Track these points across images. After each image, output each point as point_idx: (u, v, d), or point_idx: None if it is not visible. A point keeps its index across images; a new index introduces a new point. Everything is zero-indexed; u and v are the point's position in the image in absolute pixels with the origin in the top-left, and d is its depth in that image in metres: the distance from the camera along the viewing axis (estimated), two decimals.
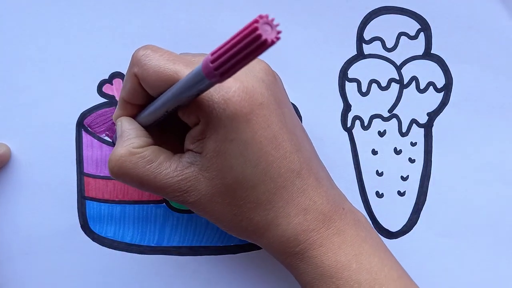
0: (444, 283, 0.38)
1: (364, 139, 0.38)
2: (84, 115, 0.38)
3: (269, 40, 0.21)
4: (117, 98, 0.38)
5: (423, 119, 0.38)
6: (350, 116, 0.38)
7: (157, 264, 0.38)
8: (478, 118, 0.38)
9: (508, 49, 0.38)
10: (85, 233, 0.38)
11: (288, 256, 0.31)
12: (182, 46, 0.37)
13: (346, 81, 0.38)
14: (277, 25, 0.22)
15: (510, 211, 0.38)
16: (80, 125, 0.38)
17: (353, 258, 0.31)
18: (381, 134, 0.38)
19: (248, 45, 0.22)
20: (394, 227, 0.38)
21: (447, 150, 0.38)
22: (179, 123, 0.31)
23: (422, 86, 0.38)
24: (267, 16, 0.21)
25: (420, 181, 0.38)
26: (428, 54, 0.38)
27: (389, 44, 0.38)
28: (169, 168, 0.30)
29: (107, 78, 0.38)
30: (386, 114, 0.38)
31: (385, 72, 0.38)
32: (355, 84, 0.38)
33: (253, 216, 0.30)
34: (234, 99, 0.28)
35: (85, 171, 0.38)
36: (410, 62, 0.38)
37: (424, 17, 0.38)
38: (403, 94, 0.38)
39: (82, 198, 0.38)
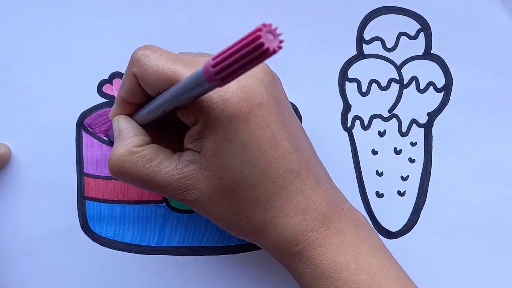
0: (444, 283, 0.38)
1: (364, 139, 0.38)
2: (84, 115, 0.38)
3: (271, 49, 0.22)
4: None
5: (423, 119, 0.38)
6: (350, 116, 0.38)
7: (157, 264, 0.38)
8: (478, 118, 0.38)
9: (508, 49, 0.38)
10: (85, 233, 0.38)
11: (287, 256, 0.31)
12: (182, 46, 0.37)
13: (346, 81, 0.38)
14: (280, 34, 0.22)
15: (510, 211, 0.38)
16: (80, 125, 0.38)
17: (352, 258, 0.31)
18: (381, 134, 0.38)
19: (250, 53, 0.22)
20: (394, 227, 0.38)
21: (447, 150, 0.38)
22: (179, 121, 0.31)
23: (422, 86, 0.38)
24: (270, 25, 0.22)
25: (420, 181, 0.38)
26: (428, 54, 0.38)
27: (389, 44, 0.38)
28: (168, 166, 0.30)
29: (107, 78, 0.38)
30: (386, 114, 0.38)
31: (385, 72, 0.38)
32: (355, 84, 0.38)
33: (251, 215, 0.30)
34: (232, 99, 0.28)
35: (85, 171, 0.38)
36: (410, 62, 0.38)
37: (424, 17, 0.38)
38: (403, 94, 0.38)
39: (82, 198, 0.38)
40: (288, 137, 0.30)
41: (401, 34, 0.38)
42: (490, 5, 0.38)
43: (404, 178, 0.39)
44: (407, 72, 0.38)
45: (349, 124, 0.38)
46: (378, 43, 0.38)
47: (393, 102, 0.38)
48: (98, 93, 0.38)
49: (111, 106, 0.37)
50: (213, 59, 0.24)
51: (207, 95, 0.28)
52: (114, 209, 0.38)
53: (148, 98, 0.31)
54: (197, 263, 0.38)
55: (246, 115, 0.29)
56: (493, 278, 0.38)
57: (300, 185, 0.31)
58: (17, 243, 0.38)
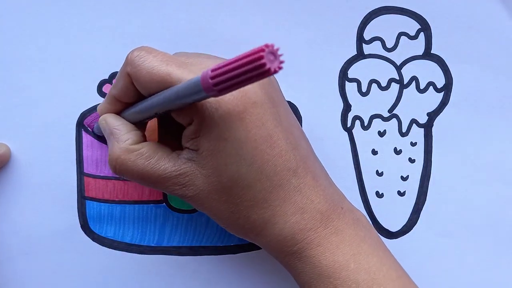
0: (444, 283, 0.38)
1: (364, 139, 0.38)
2: (84, 115, 0.38)
3: (272, 69, 0.22)
4: None
5: (423, 119, 0.38)
6: (350, 116, 0.38)
7: (157, 264, 0.38)
8: (478, 118, 0.38)
9: (508, 49, 0.38)
10: (85, 233, 0.38)
11: (285, 255, 0.31)
12: (182, 46, 0.37)
13: (346, 81, 0.38)
14: (281, 55, 0.22)
15: (510, 211, 0.38)
16: (80, 125, 0.38)
17: (351, 257, 0.31)
18: (381, 134, 0.38)
19: (251, 71, 0.22)
20: (394, 227, 0.38)
21: (447, 150, 0.38)
22: (173, 120, 0.31)
23: (422, 86, 0.38)
24: (273, 46, 0.22)
25: (420, 181, 0.38)
26: (428, 54, 0.38)
27: (389, 44, 0.38)
28: (167, 163, 0.30)
29: (107, 78, 0.38)
30: (386, 114, 0.38)
31: (385, 72, 0.38)
32: (355, 84, 0.38)
33: (249, 214, 0.30)
34: (226, 98, 0.28)
35: (85, 171, 0.38)
36: (410, 62, 0.38)
37: (424, 17, 0.38)
38: (403, 94, 0.38)
39: (82, 198, 0.38)
40: (285, 135, 0.30)
41: (401, 34, 0.38)
42: (490, 5, 0.38)
43: (404, 178, 0.39)
44: (407, 72, 0.38)
45: (349, 124, 0.38)
46: (378, 43, 0.38)
47: (393, 102, 0.38)
48: (98, 93, 0.38)
49: None
50: (212, 70, 0.24)
51: None
52: (114, 209, 0.38)
53: (139, 98, 0.31)
54: (197, 263, 0.38)
55: (241, 114, 0.29)
56: (493, 278, 0.38)
57: (298, 183, 0.31)
58: (17, 243, 0.38)
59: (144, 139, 0.32)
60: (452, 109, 0.38)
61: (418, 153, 0.38)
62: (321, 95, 0.38)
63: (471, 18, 0.38)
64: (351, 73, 0.38)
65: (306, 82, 0.38)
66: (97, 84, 0.38)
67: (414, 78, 0.38)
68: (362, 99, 0.38)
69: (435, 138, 0.38)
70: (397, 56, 0.38)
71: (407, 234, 0.38)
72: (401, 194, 0.39)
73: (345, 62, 0.38)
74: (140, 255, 0.38)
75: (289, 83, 0.38)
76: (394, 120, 0.38)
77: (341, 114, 0.38)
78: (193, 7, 0.38)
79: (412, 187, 0.38)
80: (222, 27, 0.37)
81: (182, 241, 0.38)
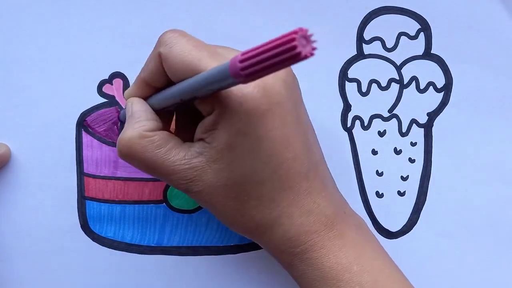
0: (444, 283, 0.38)
1: (364, 139, 0.38)
2: (84, 115, 0.38)
3: (303, 54, 0.21)
4: (117, 98, 0.38)
5: (423, 119, 0.38)
6: (350, 116, 0.38)
7: (157, 264, 0.38)
8: (478, 118, 0.38)
9: (508, 49, 0.38)
10: (85, 233, 0.38)
11: (288, 256, 0.31)
12: None
13: (346, 81, 0.38)
14: (314, 41, 0.22)
15: (510, 211, 0.38)
16: (80, 125, 0.38)
17: (354, 260, 0.31)
18: (381, 134, 0.38)
19: (281, 54, 0.22)
20: (394, 227, 0.38)
21: (447, 150, 0.38)
22: (192, 111, 0.31)
23: (422, 86, 0.38)
24: (306, 30, 0.22)
25: (420, 181, 0.38)
26: (428, 54, 0.38)
27: (389, 44, 0.38)
28: (177, 155, 0.30)
29: (107, 78, 0.38)
30: (386, 114, 0.38)
31: (385, 72, 0.38)
32: (355, 84, 0.38)
33: (255, 213, 0.30)
34: (253, 94, 0.28)
35: (85, 171, 0.38)
36: (410, 62, 0.38)
37: (424, 17, 0.38)
38: (403, 94, 0.38)
39: (82, 198, 0.38)
40: (302, 139, 0.30)
41: (401, 34, 0.38)
42: (490, 5, 0.38)
43: (404, 178, 0.39)
44: (407, 72, 0.38)
45: (349, 124, 0.38)
46: (378, 43, 0.38)
47: (393, 102, 0.38)
48: (98, 93, 0.38)
49: (111, 106, 0.37)
50: (242, 54, 0.23)
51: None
52: (114, 209, 0.38)
53: (167, 84, 0.31)
54: (197, 263, 0.38)
55: (265, 112, 0.29)
56: (493, 278, 0.38)
57: (307, 187, 0.31)
58: (17, 243, 0.38)
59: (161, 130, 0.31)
60: (452, 109, 0.38)
61: (418, 153, 0.38)
62: (321, 95, 0.38)
63: (471, 18, 0.38)
64: (351, 73, 0.38)
65: (306, 82, 0.38)
66: (97, 84, 0.38)
67: (414, 78, 0.38)
68: (362, 99, 0.38)
69: (435, 138, 0.38)
70: (397, 56, 0.38)
71: (407, 234, 0.38)
72: (401, 194, 0.39)
73: (345, 62, 0.38)
74: (140, 255, 0.38)
75: None
76: (394, 120, 0.38)
77: (341, 114, 0.38)
78: (193, 7, 0.37)
79: (412, 187, 0.38)
80: (222, 27, 0.37)
81: (182, 241, 0.38)
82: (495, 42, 0.38)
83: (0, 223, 0.38)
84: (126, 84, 0.37)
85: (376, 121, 0.38)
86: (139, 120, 0.31)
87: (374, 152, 0.38)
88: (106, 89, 0.38)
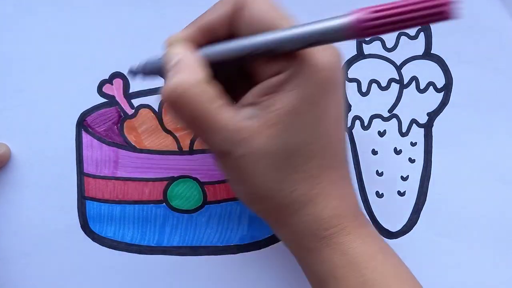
0: (444, 283, 0.38)
1: (364, 139, 0.38)
2: (84, 115, 0.38)
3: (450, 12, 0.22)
4: (117, 98, 0.38)
5: (423, 119, 0.38)
6: (350, 116, 0.38)
7: (157, 264, 0.38)
8: (478, 118, 0.38)
9: (508, 49, 0.38)
10: (85, 233, 0.38)
11: (312, 240, 0.30)
12: None
13: (346, 81, 0.38)
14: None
15: (510, 211, 0.38)
16: (80, 125, 0.38)
17: (379, 250, 0.30)
18: (381, 134, 0.38)
19: (426, 11, 0.22)
20: (394, 227, 0.38)
21: (447, 150, 0.38)
22: (234, 75, 0.30)
23: (422, 86, 0.38)
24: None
25: (420, 181, 0.38)
26: (428, 54, 0.38)
27: (389, 44, 0.38)
28: (228, 113, 0.28)
29: (107, 78, 0.38)
30: (386, 114, 0.38)
31: (385, 72, 0.38)
32: (355, 84, 0.38)
33: (296, 187, 0.29)
34: (333, 65, 0.27)
35: (85, 171, 0.38)
36: (410, 62, 0.38)
37: None
38: (403, 94, 0.38)
39: (82, 198, 0.38)
40: (344, 124, 0.30)
41: (401, 34, 0.38)
42: (490, 5, 0.38)
43: (404, 178, 0.39)
44: (407, 72, 0.38)
45: (349, 124, 0.38)
46: (378, 43, 0.38)
47: (393, 102, 0.38)
48: (98, 93, 0.38)
49: (111, 106, 0.37)
50: (374, 12, 0.24)
51: (311, 50, 0.27)
52: (114, 209, 0.38)
53: (226, 36, 0.29)
54: (197, 263, 0.38)
55: (336, 86, 0.28)
56: (493, 278, 0.38)
57: (344, 172, 0.30)
58: (17, 243, 0.38)
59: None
60: (452, 109, 0.38)
61: (418, 153, 0.38)
62: None
63: (471, 18, 0.38)
64: (351, 73, 0.38)
65: None
66: (97, 84, 0.38)
67: (414, 78, 0.38)
68: (362, 99, 0.38)
69: (435, 138, 0.38)
70: (397, 56, 0.38)
71: (407, 234, 0.38)
72: (401, 194, 0.39)
73: (345, 62, 0.38)
74: (140, 255, 0.38)
75: None
76: (394, 120, 0.38)
77: None
78: (193, 7, 0.37)
79: (412, 187, 0.38)
80: None
81: (182, 241, 0.38)
82: (495, 42, 0.38)
83: (0, 223, 0.38)
84: (126, 84, 0.38)
85: (376, 121, 0.38)
86: (196, 65, 0.28)
87: (374, 152, 0.38)
88: (106, 89, 0.38)
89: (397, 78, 0.38)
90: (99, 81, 0.38)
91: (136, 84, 0.38)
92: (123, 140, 0.38)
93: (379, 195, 0.39)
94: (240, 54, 0.28)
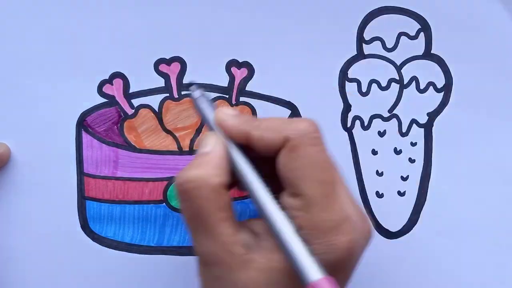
0: (444, 283, 0.38)
1: (364, 139, 0.38)
2: (84, 115, 0.38)
3: None
4: (117, 98, 0.38)
5: (423, 119, 0.38)
6: (350, 116, 0.38)
7: (157, 264, 0.38)
8: (478, 118, 0.38)
9: (508, 49, 0.38)
10: (85, 233, 0.38)
11: None
12: (182, 46, 0.37)
13: (346, 81, 0.38)
14: None
15: (510, 211, 0.38)
16: (80, 125, 0.38)
17: None
18: (381, 134, 0.38)
19: None
20: (394, 227, 0.38)
21: (447, 150, 0.38)
22: None
23: (422, 86, 0.38)
24: None
25: (420, 181, 0.38)
26: (428, 54, 0.38)
27: (389, 44, 0.38)
28: (227, 229, 0.28)
29: (107, 78, 0.38)
30: (386, 114, 0.38)
31: (385, 72, 0.38)
32: (355, 84, 0.38)
33: None
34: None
35: (85, 171, 0.38)
36: (410, 62, 0.38)
37: (424, 17, 0.38)
38: (403, 94, 0.38)
39: (82, 198, 0.38)
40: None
41: (401, 34, 0.38)
42: (490, 5, 0.38)
43: (404, 178, 0.39)
44: (407, 72, 0.38)
45: (349, 124, 0.38)
46: (378, 43, 0.38)
47: (393, 102, 0.38)
48: (98, 93, 0.38)
49: (111, 106, 0.37)
50: None
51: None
52: (114, 209, 0.38)
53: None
54: None
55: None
56: (493, 278, 0.38)
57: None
58: (17, 243, 0.38)
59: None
60: (452, 109, 0.38)
61: (418, 153, 0.38)
62: (321, 95, 0.38)
63: (471, 18, 0.38)
64: (351, 73, 0.38)
65: (306, 82, 0.38)
66: (97, 84, 0.38)
67: (414, 78, 0.38)
68: (362, 99, 0.38)
69: (435, 138, 0.38)
70: (397, 56, 0.38)
71: (407, 234, 0.38)
72: (401, 194, 0.39)
73: (345, 62, 0.38)
74: (140, 255, 0.38)
75: (289, 83, 0.38)
76: (394, 120, 0.38)
77: (341, 114, 0.38)
78: (193, 7, 0.37)
79: (412, 187, 0.38)
80: (222, 27, 0.37)
81: (182, 241, 0.38)
82: (495, 42, 0.38)
83: (0, 223, 0.38)
84: (126, 84, 0.37)
85: (376, 121, 0.38)
86: (218, 167, 0.28)
87: (374, 152, 0.38)
88: (106, 89, 0.38)
89: (397, 78, 0.38)
90: (99, 81, 0.38)
91: (136, 84, 0.38)
92: (123, 140, 0.38)
93: (379, 195, 0.38)
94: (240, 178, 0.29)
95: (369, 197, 0.38)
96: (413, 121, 0.38)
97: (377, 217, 0.38)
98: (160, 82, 0.38)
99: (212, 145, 0.29)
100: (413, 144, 0.38)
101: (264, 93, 0.38)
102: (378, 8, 0.38)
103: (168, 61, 0.37)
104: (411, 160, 0.38)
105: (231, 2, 0.37)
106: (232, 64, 0.38)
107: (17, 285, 0.38)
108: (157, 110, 0.38)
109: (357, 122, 0.38)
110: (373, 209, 0.38)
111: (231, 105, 0.38)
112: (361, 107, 0.38)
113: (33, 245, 0.38)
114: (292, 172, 0.27)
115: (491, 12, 0.38)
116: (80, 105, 0.38)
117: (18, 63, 0.37)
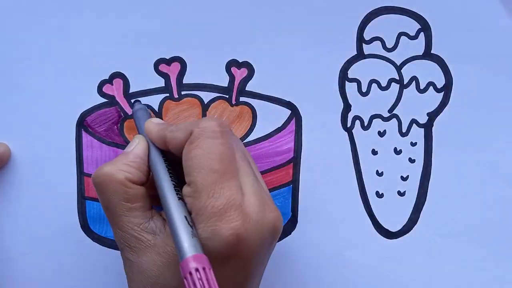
0: (444, 283, 0.38)
1: (364, 139, 0.38)
2: (84, 115, 0.38)
3: None
4: (117, 98, 0.38)
5: (423, 119, 0.38)
6: (350, 116, 0.38)
7: None
8: (478, 118, 0.38)
9: (508, 49, 0.38)
10: (85, 233, 0.38)
11: None
12: (182, 46, 0.37)
13: (346, 81, 0.38)
14: None
15: (510, 211, 0.38)
16: (80, 125, 0.38)
17: None
18: (381, 134, 0.38)
19: None
20: (394, 227, 0.38)
21: (447, 150, 0.38)
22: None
23: (422, 86, 0.38)
24: None
25: (420, 181, 0.38)
26: (428, 54, 0.38)
27: (389, 44, 0.38)
28: (136, 219, 0.31)
29: (107, 78, 0.38)
30: (386, 114, 0.38)
31: (385, 72, 0.38)
32: (355, 84, 0.38)
33: None
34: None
35: (85, 171, 0.38)
36: (410, 62, 0.38)
37: (424, 17, 0.38)
38: (403, 94, 0.38)
39: (82, 198, 0.38)
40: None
41: (401, 34, 0.38)
42: (490, 5, 0.38)
43: (404, 178, 0.39)
44: (407, 72, 0.38)
45: (349, 124, 0.38)
46: (378, 43, 0.38)
47: (393, 102, 0.38)
48: (98, 93, 0.38)
49: (111, 106, 0.37)
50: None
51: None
52: None
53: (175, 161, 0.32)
54: None
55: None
56: (493, 278, 0.38)
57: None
58: (17, 243, 0.38)
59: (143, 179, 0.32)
60: (452, 109, 0.38)
61: (418, 153, 0.38)
62: (321, 95, 0.38)
63: (471, 18, 0.38)
64: (351, 73, 0.38)
65: (306, 82, 0.38)
66: (97, 84, 0.38)
67: (414, 78, 0.38)
68: (362, 99, 0.38)
69: (435, 138, 0.38)
70: (397, 56, 0.38)
71: (407, 234, 0.38)
72: (401, 194, 0.39)
73: (345, 62, 0.38)
74: None
75: (289, 83, 0.38)
76: (394, 120, 0.38)
77: (341, 114, 0.38)
78: (193, 7, 0.37)
79: (412, 187, 0.38)
80: (222, 27, 0.37)
81: None
82: (495, 42, 0.38)
83: (0, 223, 0.38)
84: (126, 84, 0.38)
85: (376, 121, 0.38)
86: (131, 166, 0.31)
87: (374, 152, 0.38)
88: (106, 89, 0.38)
89: (397, 78, 0.38)
90: (99, 81, 0.38)
91: (136, 84, 0.38)
92: (123, 140, 0.38)
93: (379, 195, 0.39)
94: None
95: (369, 197, 0.38)
96: (413, 121, 0.38)
97: (377, 217, 0.38)
98: (160, 82, 0.38)
99: (133, 147, 0.33)
100: (413, 144, 0.38)
101: (264, 93, 0.38)
102: (378, 8, 0.38)
103: (168, 61, 0.37)
104: (411, 160, 0.38)
105: (231, 2, 0.37)
106: (232, 64, 0.38)
107: (17, 285, 0.38)
108: (157, 110, 0.38)
109: (357, 122, 0.38)
110: (373, 209, 0.38)
111: (231, 105, 0.38)
112: (361, 107, 0.38)
113: (33, 245, 0.38)
114: (188, 161, 0.30)
115: (491, 12, 0.38)
116: (80, 105, 0.38)
117: (18, 63, 0.37)
